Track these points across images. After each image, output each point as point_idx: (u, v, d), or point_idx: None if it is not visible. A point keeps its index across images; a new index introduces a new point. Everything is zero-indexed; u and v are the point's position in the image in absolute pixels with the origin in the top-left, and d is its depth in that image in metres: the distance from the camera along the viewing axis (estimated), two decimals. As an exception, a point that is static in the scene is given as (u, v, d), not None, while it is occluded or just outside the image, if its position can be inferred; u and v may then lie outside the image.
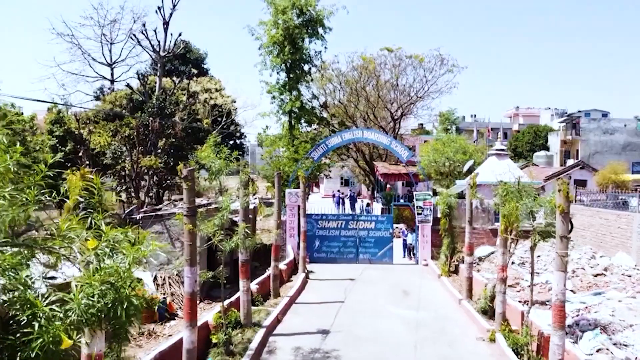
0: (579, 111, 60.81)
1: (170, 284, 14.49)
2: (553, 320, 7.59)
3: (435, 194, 20.04)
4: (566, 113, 68.09)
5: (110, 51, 41.50)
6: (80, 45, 38.29)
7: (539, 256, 15.49)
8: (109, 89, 44.15)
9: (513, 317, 10.52)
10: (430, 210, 18.08)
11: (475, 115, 79.16)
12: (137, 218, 14.97)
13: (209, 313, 13.31)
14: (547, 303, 11.46)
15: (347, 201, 34.48)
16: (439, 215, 19.54)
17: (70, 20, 37.36)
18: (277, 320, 11.09)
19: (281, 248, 18.80)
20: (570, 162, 55.38)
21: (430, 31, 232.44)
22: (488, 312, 11.37)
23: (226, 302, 11.75)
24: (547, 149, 60.97)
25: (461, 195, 18.98)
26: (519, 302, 11.55)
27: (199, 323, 9.91)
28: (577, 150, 56.00)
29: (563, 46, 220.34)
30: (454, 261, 16.09)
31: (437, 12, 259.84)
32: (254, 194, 15.97)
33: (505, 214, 9.63)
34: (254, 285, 12.45)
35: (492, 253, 16.64)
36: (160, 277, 14.62)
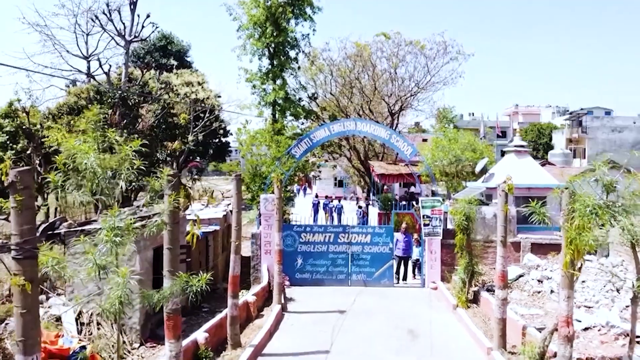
0: (582, 109, 58.11)
1: (99, 324, 10.88)
2: None
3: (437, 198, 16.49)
4: (568, 111, 65.42)
5: (86, 43, 37.65)
6: (53, 36, 34.48)
7: (583, 281, 12.01)
8: (83, 82, 40.37)
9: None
10: (440, 220, 14.55)
11: (473, 114, 75.98)
12: (61, 233, 11.40)
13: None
14: (620, 363, 7.99)
15: (320, 208, 28.29)
16: (449, 226, 16.05)
17: (43, 9, 33.39)
18: (229, 393, 7.55)
19: (255, 268, 15.26)
20: (576, 161, 52.38)
21: (424, 27, 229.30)
22: (536, 377, 7.88)
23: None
24: (552, 147, 58.08)
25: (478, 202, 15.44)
26: (579, 360, 8.06)
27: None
28: (584, 149, 53.22)
29: (561, 44, 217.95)
30: (472, 287, 12.58)
31: (427, 6, 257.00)
32: (185, 208, 12.33)
33: (575, 240, 6.13)
34: (202, 334, 8.86)
35: (522, 276, 13.12)
36: (87, 313, 11.00)
